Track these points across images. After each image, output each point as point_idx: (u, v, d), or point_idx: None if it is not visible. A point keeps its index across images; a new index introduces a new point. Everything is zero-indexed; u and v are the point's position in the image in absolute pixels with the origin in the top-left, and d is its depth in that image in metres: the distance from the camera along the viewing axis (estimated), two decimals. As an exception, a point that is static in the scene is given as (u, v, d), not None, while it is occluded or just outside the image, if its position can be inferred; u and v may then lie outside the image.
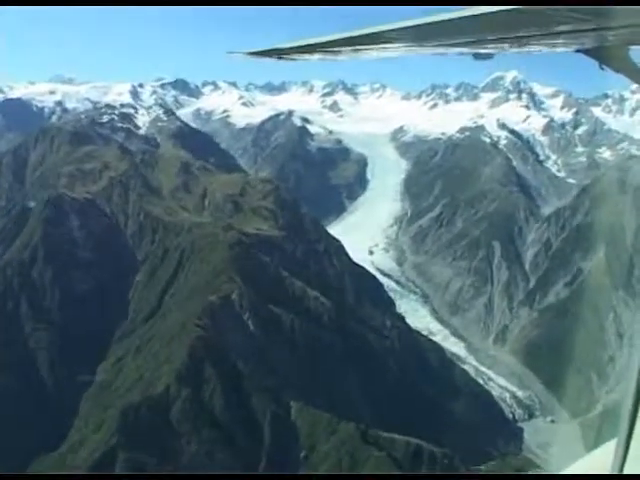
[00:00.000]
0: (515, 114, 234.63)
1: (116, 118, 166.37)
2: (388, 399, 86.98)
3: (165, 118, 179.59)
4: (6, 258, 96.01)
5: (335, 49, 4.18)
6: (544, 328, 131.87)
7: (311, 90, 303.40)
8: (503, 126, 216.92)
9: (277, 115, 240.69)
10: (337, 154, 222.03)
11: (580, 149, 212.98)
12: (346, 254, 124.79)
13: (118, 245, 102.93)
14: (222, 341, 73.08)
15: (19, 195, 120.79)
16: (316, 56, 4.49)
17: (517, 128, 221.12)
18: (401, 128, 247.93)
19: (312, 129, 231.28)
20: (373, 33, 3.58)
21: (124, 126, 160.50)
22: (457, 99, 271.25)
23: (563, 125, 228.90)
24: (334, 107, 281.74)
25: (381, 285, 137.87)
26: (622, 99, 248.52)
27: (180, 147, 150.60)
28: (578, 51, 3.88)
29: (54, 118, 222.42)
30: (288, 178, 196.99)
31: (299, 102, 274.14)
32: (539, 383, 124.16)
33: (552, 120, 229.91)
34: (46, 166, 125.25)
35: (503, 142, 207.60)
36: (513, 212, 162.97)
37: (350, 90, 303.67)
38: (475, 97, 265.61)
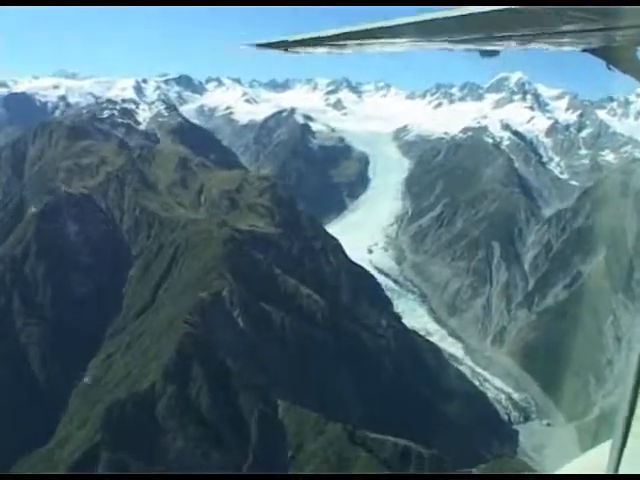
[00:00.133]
0: (519, 115, 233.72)
1: (117, 113, 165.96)
2: (381, 399, 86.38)
3: (166, 114, 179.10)
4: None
5: (341, 43, 4.20)
6: (542, 330, 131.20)
7: (315, 88, 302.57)
8: (506, 127, 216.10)
9: (280, 112, 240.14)
10: (339, 152, 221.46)
11: (584, 151, 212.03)
12: (343, 252, 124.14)
13: (113, 240, 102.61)
14: (211, 338, 72.61)
15: (16, 189, 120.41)
16: (322, 50, 4.49)
17: (521, 129, 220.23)
18: (404, 127, 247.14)
19: (315, 127, 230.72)
20: (379, 28, 3.53)
21: (124, 121, 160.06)
22: (461, 99, 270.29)
23: (567, 127, 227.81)
24: (338, 105, 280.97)
25: (378, 284, 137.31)
26: (627, 102, 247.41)
27: (180, 143, 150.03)
28: (585, 51, 3.86)
29: (57, 113, 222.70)
30: (289, 176, 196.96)
31: (303, 100, 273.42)
32: (536, 385, 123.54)
33: (556, 122, 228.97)
34: (44, 160, 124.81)
35: (506, 143, 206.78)
36: (514, 213, 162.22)
37: (354, 88, 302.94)
38: (480, 97, 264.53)
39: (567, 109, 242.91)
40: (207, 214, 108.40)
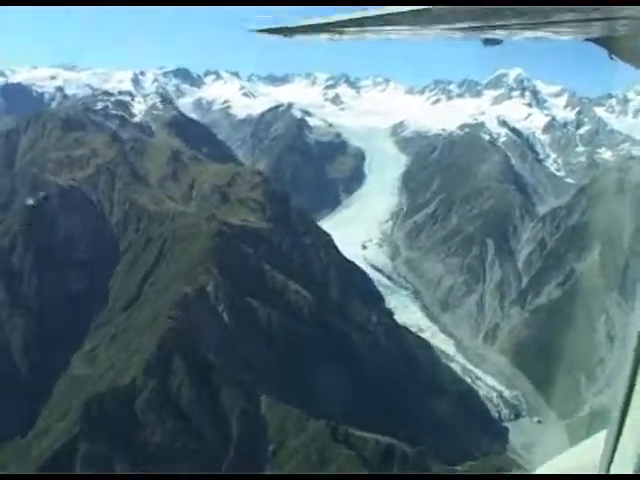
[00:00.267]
0: (517, 112, 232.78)
1: (111, 105, 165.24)
2: (368, 396, 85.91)
3: (161, 107, 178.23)
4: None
5: (341, 30, 4.19)
6: (535, 328, 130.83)
7: (314, 82, 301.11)
8: (503, 123, 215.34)
9: (277, 107, 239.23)
10: (335, 147, 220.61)
11: (581, 149, 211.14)
12: (335, 248, 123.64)
13: (101, 233, 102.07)
14: (194, 333, 72.14)
15: (6, 180, 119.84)
16: (322, 36, 4.48)
17: (518, 126, 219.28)
18: (402, 123, 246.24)
19: (312, 122, 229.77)
20: (380, 15, 3.51)
21: (118, 113, 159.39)
22: (460, 95, 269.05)
23: (565, 124, 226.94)
24: (336, 100, 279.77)
25: (370, 280, 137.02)
26: (626, 100, 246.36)
27: (174, 136, 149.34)
28: (587, 40, 3.82)
29: (54, 104, 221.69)
30: (284, 170, 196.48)
31: (301, 94, 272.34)
32: (527, 383, 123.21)
33: (554, 119, 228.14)
34: (35, 151, 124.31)
35: (502, 139, 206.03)
36: (509, 210, 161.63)
37: (353, 83, 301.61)
38: (478, 94, 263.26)
39: (566, 106, 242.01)
40: (197, 208, 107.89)
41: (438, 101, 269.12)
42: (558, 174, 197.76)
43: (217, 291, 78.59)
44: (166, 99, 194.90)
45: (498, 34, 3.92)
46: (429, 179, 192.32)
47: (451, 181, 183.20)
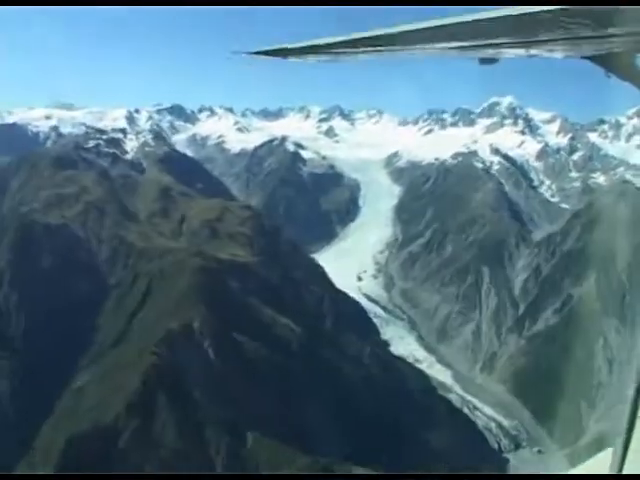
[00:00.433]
0: (509, 140, 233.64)
1: (103, 143, 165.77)
2: (362, 430, 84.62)
3: (153, 143, 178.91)
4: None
5: (340, 51, 4.20)
6: (532, 355, 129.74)
7: (308, 116, 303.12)
8: (496, 151, 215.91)
9: (271, 141, 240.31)
10: (330, 180, 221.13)
11: (575, 174, 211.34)
12: (328, 280, 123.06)
13: (90, 271, 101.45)
14: (177, 370, 71.11)
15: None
16: (321, 58, 4.48)
17: (511, 153, 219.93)
18: (396, 153, 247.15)
19: (305, 155, 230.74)
20: (377, 35, 3.60)
21: (110, 151, 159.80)
22: (453, 124, 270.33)
23: (558, 150, 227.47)
24: (330, 133, 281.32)
25: (364, 311, 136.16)
26: (618, 125, 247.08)
27: (166, 173, 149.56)
28: (584, 58, 3.87)
29: (48, 143, 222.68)
30: (278, 204, 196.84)
31: (295, 128, 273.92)
32: (527, 412, 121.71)
33: (547, 145, 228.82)
34: (26, 190, 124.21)
35: (496, 167, 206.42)
36: (503, 238, 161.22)
37: (347, 116, 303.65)
38: (471, 123, 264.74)
39: (558, 132, 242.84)
40: (187, 243, 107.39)
41: (431, 131, 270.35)
42: (553, 200, 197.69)
43: (203, 327, 77.73)
44: (158, 136, 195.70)
45: (495, 52, 3.89)
46: (423, 209, 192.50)
47: (445, 210, 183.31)
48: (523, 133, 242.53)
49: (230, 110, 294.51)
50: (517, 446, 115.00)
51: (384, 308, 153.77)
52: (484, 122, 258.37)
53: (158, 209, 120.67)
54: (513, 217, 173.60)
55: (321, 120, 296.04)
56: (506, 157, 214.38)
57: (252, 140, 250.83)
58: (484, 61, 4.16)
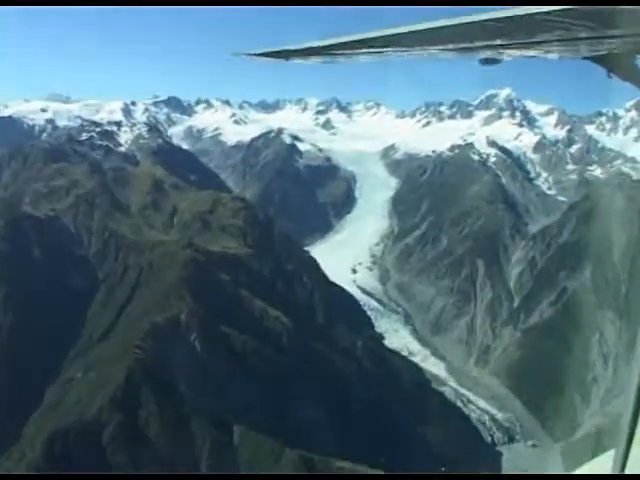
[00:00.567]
0: (506, 132, 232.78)
1: (98, 136, 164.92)
2: (354, 425, 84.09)
3: (147, 136, 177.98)
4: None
5: (340, 52, 4.24)
6: (527, 349, 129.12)
7: (305, 108, 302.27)
8: (493, 144, 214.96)
9: (267, 133, 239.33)
10: (326, 172, 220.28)
11: (572, 167, 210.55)
12: (321, 273, 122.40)
13: (79, 264, 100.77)
14: (162, 364, 70.51)
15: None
16: (321, 59, 4.51)
17: (508, 146, 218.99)
18: (392, 146, 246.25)
19: (302, 147, 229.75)
20: (377, 37, 3.62)
21: (104, 143, 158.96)
22: (451, 117, 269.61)
23: (555, 142, 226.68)
24: (327, 125, 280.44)
25: (358, 304, 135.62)
26: (616, 117, 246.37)
27: (159, 165, 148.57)
28: (585, 58, 3.90)
29: (44, 136, 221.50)
30: (275, 196, 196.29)
31: (292, 120, 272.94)
32: (521, 405, 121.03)
33: (544, 137, 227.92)
34: (17, 183, 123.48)
35: (492, 160, 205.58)
36: (498, 230, 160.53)
37: (344, 108, 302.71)
38: (469, 115, 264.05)
39: (556, 125, 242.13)
40: (178, 236, 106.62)
41: (429, 123, 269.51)
42: (549, 192, 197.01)
43: (190, 319, 77.12)
44: (153, 128, 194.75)
45: (497, 53, 3.86)
46: (419, 201, 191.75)
47: (441, 202, 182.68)
48: (521, 125, 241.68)
49: (227, 102, 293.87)
50: (511, 439, 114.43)
51: (379, 301, 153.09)
52: (482, 114, 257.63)
53: (150, 201, 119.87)
54: (509, 209, 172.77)
55: (318, 112, 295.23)
56: (503, 149, 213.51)
57: (249, 132, 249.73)
58: (485, 62, 4.17)
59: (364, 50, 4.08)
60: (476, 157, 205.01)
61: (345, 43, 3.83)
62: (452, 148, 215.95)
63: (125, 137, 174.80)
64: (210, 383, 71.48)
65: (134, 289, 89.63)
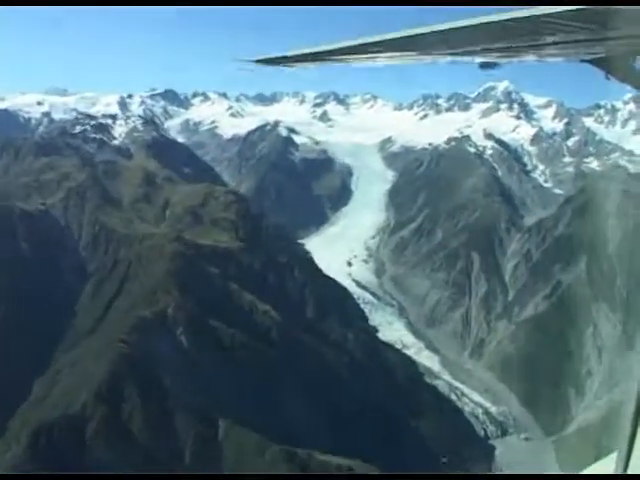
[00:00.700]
0: (504, 124, 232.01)
1: (92, 129, 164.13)
2: (346, 419, 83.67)
3: (142, 129, 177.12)
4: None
5: (340, 57, 4.23)
6: (522, 342, 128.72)
7: (302, 101, 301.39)
8: (490, 136, 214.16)
9: (264, 126, 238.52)
10: (322, 165, 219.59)
11: (569, 159, 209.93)
12: (315, 266, 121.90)
13: (69, 257, 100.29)
14: (147, 358, 70.08)
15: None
16: (319, 64, 4.55)
17: (506, 138, 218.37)
18: (389, 139, 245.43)
19: (298, 139, 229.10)
20: (377, 41, 3.63)
21: (97, 137, 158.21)
22: (448, 109, 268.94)
23: (553, 135, 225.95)
24: (324, 117, 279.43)
25: (351, 297, 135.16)
26: (614, 109, 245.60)
27: (153, 158, 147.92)
28: (583, 61, 3.89)
29: (41, 129, 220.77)
30: (270, 189, 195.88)
31: (290, 113, 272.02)
32: (514, 398, 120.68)
33: (541, 130, 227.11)
34: (7, 177, 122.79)
35: (489, 152, 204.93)
36: (494, 223, 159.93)
37: (342, 101, 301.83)
38: (466, 107, 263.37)
39: (554, 117, 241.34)
40: (169, 229, 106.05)
41: (426, 116, 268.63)
42: (546, 185, 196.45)
43: (177, 313, 76.65)
44: (148, 121, 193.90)
45: (495, 57, 3.87)
46: (415, 194, 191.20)
47: (437, 195, 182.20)
48: (518, 118, 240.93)
49: (224, 95, 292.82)
50: (504, 433, 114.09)
51: (373, 294, 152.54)
52: (479, 107, 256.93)
53: (142, 194, 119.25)
54: (505, 202, 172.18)
55: (316, 105, 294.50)
56: (500, 142, 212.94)
57: (245, 125, 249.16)
58: (485, 65, 4.15)
59: (364, 55, 4.08)
60: (472, 150, 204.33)
61: (341, 49, 3.81)
62: (449, 141, 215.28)
63: (119, 130, 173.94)
64: (196, 377, 71.02)
65: (123, 282, 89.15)
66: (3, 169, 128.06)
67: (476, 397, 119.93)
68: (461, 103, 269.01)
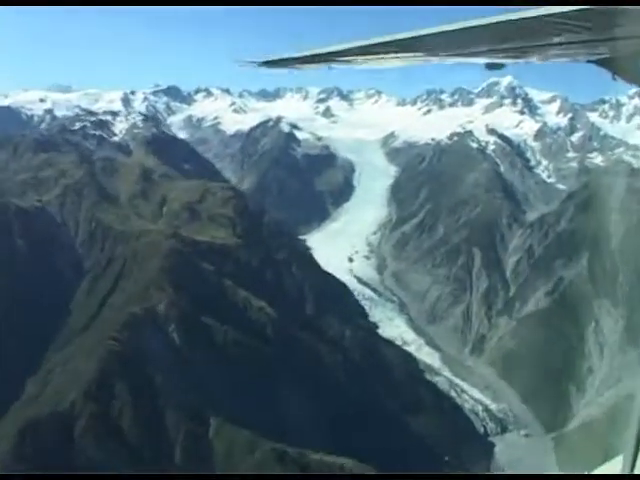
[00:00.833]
0: (507, 119, 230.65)
1: (91, 125, 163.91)
2: (346, 416, 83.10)
3: (142, 125, 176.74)
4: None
5: (345, 58, 4.20)
6: (523, 338, 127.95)
7: (306, 97, 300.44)
8: (493, 131, 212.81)
9: (266, 122, 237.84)
10: (324, 160, 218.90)
11: (572, 155, 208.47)
12: (314, 262, 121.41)
13: (65, 254, 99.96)
14: (137, 356, 69.64)
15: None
16: (322, 65, 4.51)
17: (509, 134, 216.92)
18: (392, 134, 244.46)
19: (301, 135, 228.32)
20: (384, 42, 3.64)
21: (97, 133, 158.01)
22: (452, 105, 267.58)
23: (556, 130, 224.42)
24: (327, 113, 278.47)
25: (351, 293, 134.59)
26: (619, 104, 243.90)
27: (152, 154, 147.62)
28: (590, 62, 3.88)
29: (43, 126, 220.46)
30: (272, 185, 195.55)
31: (293, 109, 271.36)
32: (515, 395, 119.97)
33: (545, 125, 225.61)
34: (5, 174, 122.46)
35: (492, 147, 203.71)
36: (496, 218, 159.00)
37: (345, 97, 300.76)
38: (470, 103, 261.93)
39: (558, 112, 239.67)
40: (165, 226, 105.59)
41: (430, 111, 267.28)
42: (549, 181, 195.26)
43: (169, 310, 76.20)
44: (148, 117, 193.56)
45: (501, 57, 3.86)
46: (417, 189, 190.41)
47: (439, 191, 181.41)
48: (522, 113, 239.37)
49: (227, 91, 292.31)
50: (504, 430, 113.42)
51: (374, 290, 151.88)
52: (483, 102, 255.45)
53: (139, 191, 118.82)
54: (507, 198, 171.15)
55: (319, 100, 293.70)
56: (503, 137, 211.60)
57: (248, 121, 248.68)
58: (491, 66, 4.16)
59: (370, 57, 4.03)
60: (475, 145, 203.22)
61: (348, 50, 3.76)
62: (451, 136, 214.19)
63: (120, 127, 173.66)
64: (187, 375, 70.57)
65: (117, 280, 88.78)
66: (1, 165, 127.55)
67: (476, 394, 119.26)
68: (465, 98, 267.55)
